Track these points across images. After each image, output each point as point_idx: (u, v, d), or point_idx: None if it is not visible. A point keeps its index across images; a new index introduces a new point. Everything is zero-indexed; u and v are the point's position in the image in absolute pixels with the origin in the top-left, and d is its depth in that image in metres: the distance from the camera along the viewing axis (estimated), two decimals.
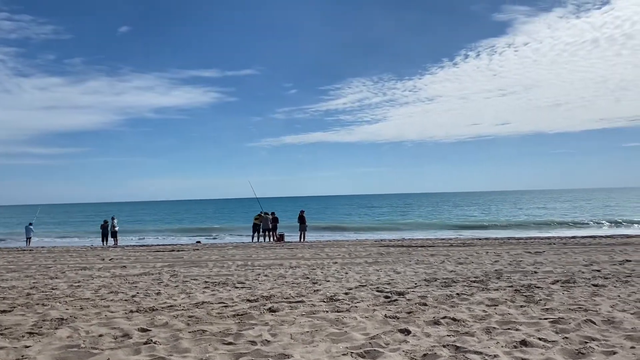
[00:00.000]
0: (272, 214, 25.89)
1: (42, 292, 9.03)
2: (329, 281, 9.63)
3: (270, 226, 25.33)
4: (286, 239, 25.57)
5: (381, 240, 23.61)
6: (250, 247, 20.63)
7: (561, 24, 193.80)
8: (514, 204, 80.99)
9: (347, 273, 10.94)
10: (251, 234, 26.38)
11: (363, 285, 8.90)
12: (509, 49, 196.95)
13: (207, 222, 55.19)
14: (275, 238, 25.03)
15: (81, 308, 7.22)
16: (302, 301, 7.33)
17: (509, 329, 5.39)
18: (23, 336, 5.48)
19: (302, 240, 24.84)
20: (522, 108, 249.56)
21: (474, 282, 9.07)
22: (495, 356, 4.35)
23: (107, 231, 26.70)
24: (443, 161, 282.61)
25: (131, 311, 6.87)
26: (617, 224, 36.47)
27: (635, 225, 35.27)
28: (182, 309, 6.94)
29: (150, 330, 5.68)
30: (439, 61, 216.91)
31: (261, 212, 26.03)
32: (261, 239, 25.62)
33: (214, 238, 32.61)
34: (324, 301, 7.33)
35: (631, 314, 6.04)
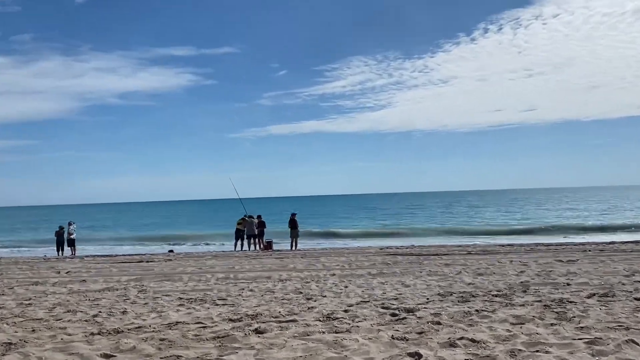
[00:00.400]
0: (258, 217, 25.96)
1: None
2: (325, 296, 9.65)
3: (256, 232, 25.37)
4: (275, 246, 25.62)
5: (387, 247, 23.68)
6: (232, 256, 20.68)
7: None
8: (542, 205, 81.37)
9: (347, 287, 10.96)
10: (234, 241, 26.44)
11: (366, 301, 8.92)
12: (536, 21, 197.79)
13: (181, 227, 55.15)
14: (261, 246, 25.09)
15: (33, 330, 7.18)
16: (294, 320, 7.33)
17: (537, 351, 5.41)
18: None
19: (293, 248, 24.92)
20: (552, 91, 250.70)
21: (496, 296, 9.10)
22: None
23: (62, 239, 26.61)
24: (458, 154, 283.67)
25: (92, 333, 6.84)
26: None
27: None
28: (153, 331, 6.92)
29: (114, 356, 5.66)
30: (454, 36, 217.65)
31: (245, 216, 26.11)
32: (245, 247, 25.65)
33: (190, 246, 32.54)
34: (320, 320, 7.34)
35: None
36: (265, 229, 25.96)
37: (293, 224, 25.49)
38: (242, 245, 25.74)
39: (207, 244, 34.20)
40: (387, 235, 38.20)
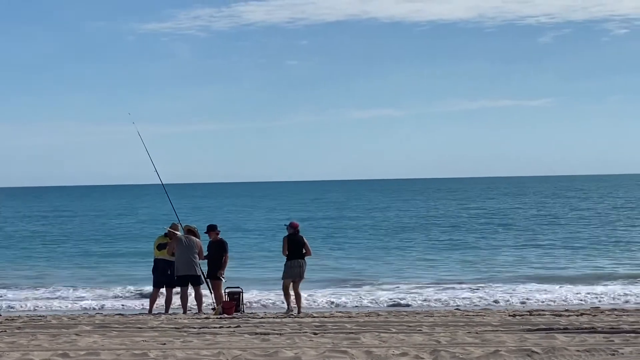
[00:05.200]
0: (212, 230, 13.70)
1: None
2: None
3: (196, 269, 13.04)
4: (248, 302, 14.18)
5: (521, 309, 13.78)
6: (142, 327, 10.47)
7: None
8: None
9: None
10: (151, 288, 13.80)
11: None
12: None
13: (31, 256, 33.91)
14: (219, 301, 13.13)
15: None
16: None
17: None
18: None
19: (291, 306, 12.99)
20: None
21: None
22: None
23: None
24: None
25: None
26: None
27: None
28: None
29: None
30: None
31: (176, 225, 13.75)
32: (175, 301, 13.31)
33: (37, 294, 18.90)
34: None
35: None
36: (225, 256, 13.54)
37: (293, 247, 13.13)
38: (168, 298, 13.33)
39: (74, 289, 20.09)
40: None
